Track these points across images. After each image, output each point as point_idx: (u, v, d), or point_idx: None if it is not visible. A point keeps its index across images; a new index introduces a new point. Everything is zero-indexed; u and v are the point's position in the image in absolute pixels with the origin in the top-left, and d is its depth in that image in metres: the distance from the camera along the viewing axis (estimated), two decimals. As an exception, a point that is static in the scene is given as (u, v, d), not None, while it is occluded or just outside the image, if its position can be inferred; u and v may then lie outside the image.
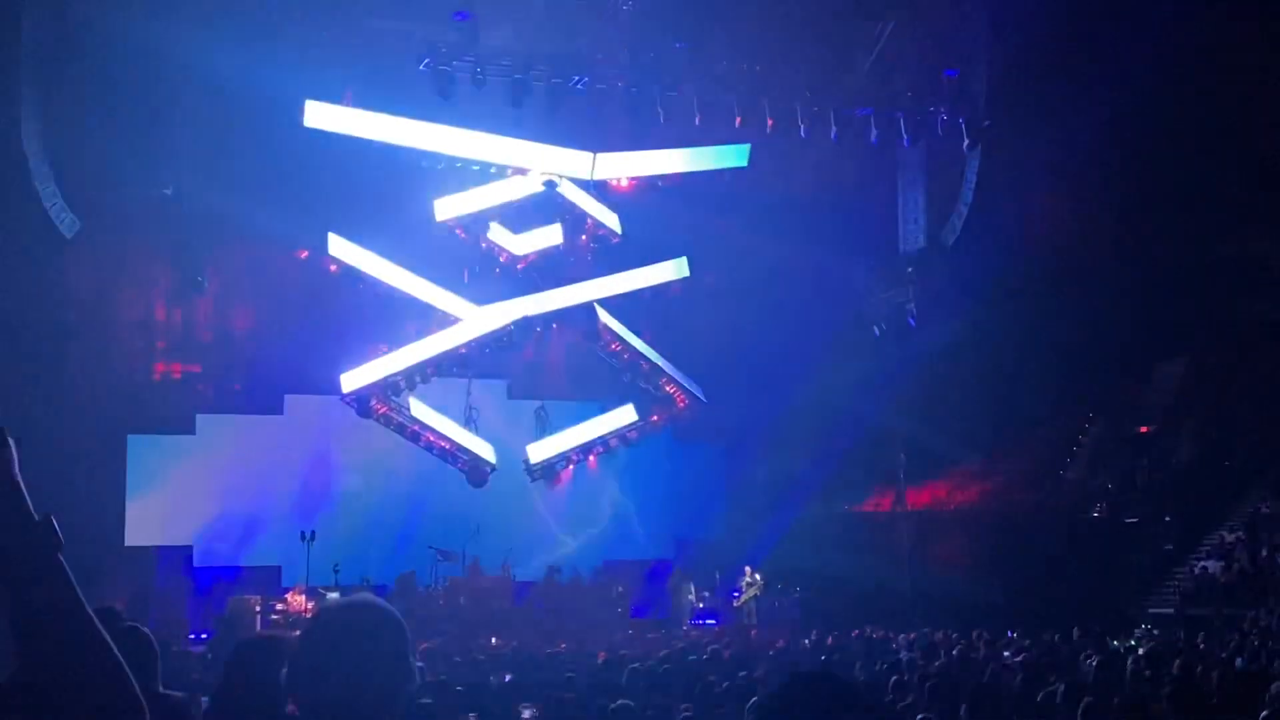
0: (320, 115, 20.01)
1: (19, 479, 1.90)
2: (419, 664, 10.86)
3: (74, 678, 1.85)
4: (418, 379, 22.22)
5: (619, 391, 24.10)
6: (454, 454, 22.75)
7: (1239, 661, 12.24)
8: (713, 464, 25.25)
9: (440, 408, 22.71)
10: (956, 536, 23.18)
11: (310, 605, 19.20)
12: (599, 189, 23.02)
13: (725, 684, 9.78)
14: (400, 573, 21.22)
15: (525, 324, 22.87)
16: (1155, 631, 18.43)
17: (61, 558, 1.89)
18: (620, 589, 22.31)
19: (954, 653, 13.05)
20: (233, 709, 3.39)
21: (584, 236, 23.33)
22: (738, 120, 21.29)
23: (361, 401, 21.75)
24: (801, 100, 21.27)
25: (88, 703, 1.84)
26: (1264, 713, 7.19)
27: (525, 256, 23.06)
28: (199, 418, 22.37)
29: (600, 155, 22.32)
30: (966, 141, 22.10)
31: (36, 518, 1.90)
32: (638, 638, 19.60)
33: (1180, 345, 24.15)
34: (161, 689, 3.95)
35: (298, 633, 2.60)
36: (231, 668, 3.53)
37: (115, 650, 1.90)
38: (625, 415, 24.01)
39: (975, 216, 22.29)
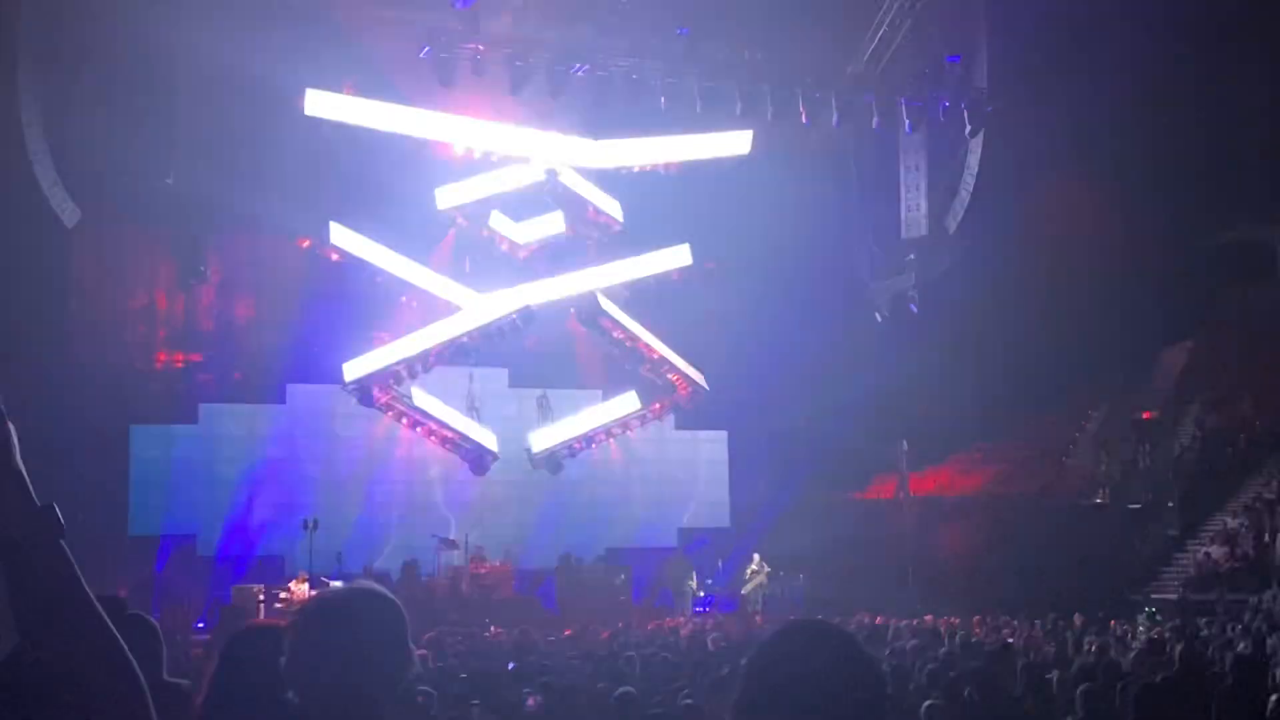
0: (321, 103, 19.99)
1: (20, 464, 1.89)
2: (420, 652, 10.87)
3: (75, 662, 1.84)
4: (419, 368, 22.24)
5: (621, 379, 24.10)
6: (456, 442, 22.77)
7: (1242, 647, 12.24)
8: (715, 451, 25.26)
9: (442, 396, 22.72)
10: (959, 523, 23.17)
11: (313, 594, 19.20)
12: (600, 177, 23.00)
13: (726, 669, 9.78)
14: (403, 561, 21.25)
15: (527, 312, 22.87)
16: (1158, 617, 18.42)
17: (64, 544, 1.87)
18: (622, 577, 22.33)
19: (956, 639, 13.05)
20: (230, 697, 3.38)
21: (585, 224, 23.32)
22: (739, 107, 21.24)
23: (364, 390, 21.76)
24: (803, 86, 21.21)
25: (89, 687, 1.84)
26: (1273, 697, 7.18)
27: (527, 244, 23.06)
28: (201, 407, 22.37)
29: (601, 143, 22.29)
30: (969, 127, 22.05)
31: (38, 503, 1.88)
32: (640, 625, 19.60)
33: (1183, 331, 24.11)
34: (166, 677, 3.95)
35: (295, 619, 2.60)
36: (228, 655, 3.51)
37: (118, 636, 1.89)
38: (628, 403, 24.02)
39: (977, 203, 22.25)
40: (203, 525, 21.81)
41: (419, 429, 22.53)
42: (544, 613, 21.05)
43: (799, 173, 23.13)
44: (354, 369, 21.54)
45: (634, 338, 23.90)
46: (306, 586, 19.48)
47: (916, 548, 22.94)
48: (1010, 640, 13.51)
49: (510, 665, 11.55)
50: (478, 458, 22.98)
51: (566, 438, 23.68)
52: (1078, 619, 15.78)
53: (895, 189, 24.15)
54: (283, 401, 22.98)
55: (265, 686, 2.83)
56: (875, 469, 24.98)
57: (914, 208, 23.99)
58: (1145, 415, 24.82)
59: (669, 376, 24.13)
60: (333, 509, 21.25)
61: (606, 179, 23.10)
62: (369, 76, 20.22)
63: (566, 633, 16.10)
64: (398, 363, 21.98)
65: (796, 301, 23.17)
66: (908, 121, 21.63)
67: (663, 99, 20.70)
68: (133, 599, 17.23)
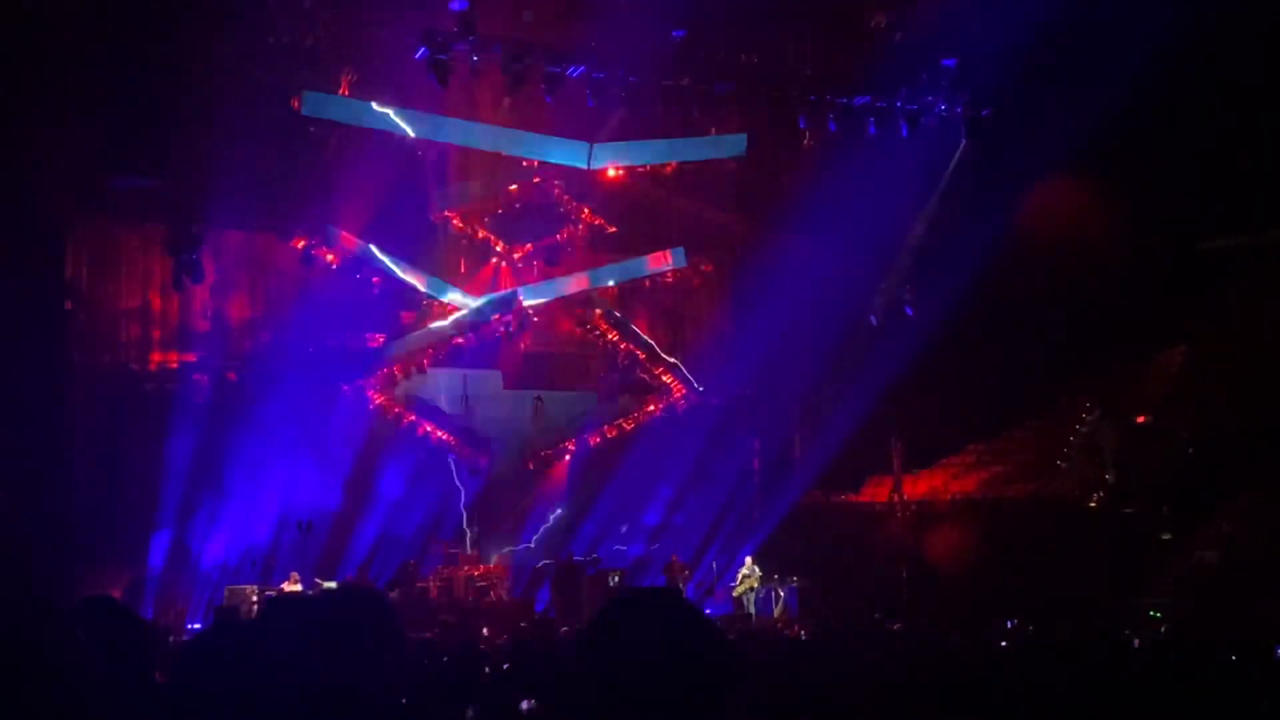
0: (317, 104, 19.96)
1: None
2: (414, 654, 10.84)
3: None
4: (414, 369, 22.24)
5: (616, 381, 24.11)
6: (451, 444, 22.76)
7: (1236, 651, 12.24)
8: (708, 453, 25.26)
9: (436, 398, 22.71)
10: (953, 527, 23.18)
11: (293, 590, 19.19)
12: (596, 179, 23.00)
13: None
14: (400, 563, 21.24)
15: (521, 314, 22.87)
16: (1154, 619, 18.44)
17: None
18: (616, 579, 22.32)
19: (950, 642, 13.05)
20: (205, 691, 3.30)
21: (580, 226, 23.32)
22: (735, 110, 21.24)
23: (358, 391, 21.75)
24: (799, 90, 21.20)
25: None
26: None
27: (522, 246, 23.07)
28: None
29: (597, 145, 22.28)
30: (964, 131, 22.06)
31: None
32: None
33: (1178, 334, 24.13)
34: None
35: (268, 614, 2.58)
36: (205, 649, 3.43)
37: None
38: (622, 405, 24.04)
39: (973, 206, 22.25)
40: (197, 526, 21.75)
41: (414, 431, 22.52)
42: (539, 615, 21.04)
43: (794, 175, 23.13)
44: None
45: (628, 340, 23.91)
46: (300, 588, 19.48)
47: (910, 551, 22.95)
48: (1004, 644, 13.51)
49: (504, 668, 11.53)
50: (472, 460, 22.98)
51: (561, 440, 23.70)
52: (1072, 624, 15.78)
53: (890, 192, 24.09)
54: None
55: (244, 682, 2.81)
56: (869, 472, 25.00)
57: (909, 211, 23.95)
58: (1140, 419, 24.84)
59: (663, 378, 24.14)
60: (327, 510, 21.26)
61: (601, 181, 23.09)
62: (365, 77, 20.19)
63: (560, 634, 16.09)
64: (392, 364, 22.00)
65: (790, 303, 23.14)
66: (904, 125, 21.60)
67: (658, 101, 20.68)
68: (126, 600, 17.20)
